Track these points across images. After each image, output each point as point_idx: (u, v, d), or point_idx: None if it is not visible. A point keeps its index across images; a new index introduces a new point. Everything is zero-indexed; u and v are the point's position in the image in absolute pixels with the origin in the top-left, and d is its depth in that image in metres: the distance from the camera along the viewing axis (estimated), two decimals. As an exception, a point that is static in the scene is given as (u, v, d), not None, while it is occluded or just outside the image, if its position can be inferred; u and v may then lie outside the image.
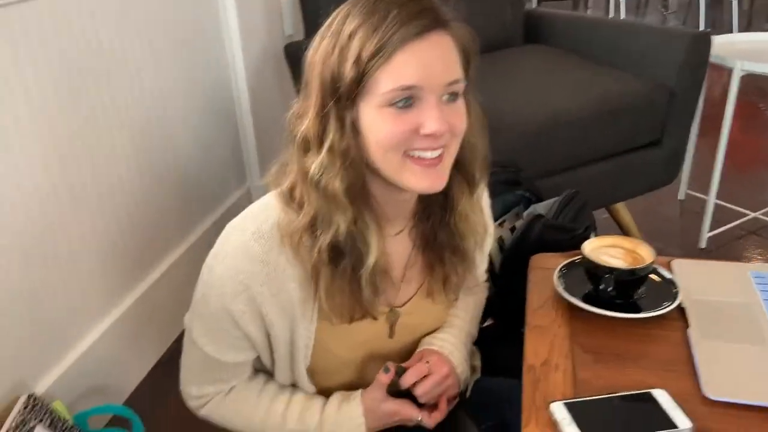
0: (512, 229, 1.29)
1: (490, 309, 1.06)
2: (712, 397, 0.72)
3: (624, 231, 2.04)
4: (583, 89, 1.79)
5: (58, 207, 1.30)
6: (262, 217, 0.78)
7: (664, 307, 0.84)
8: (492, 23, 2.11)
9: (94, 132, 1.40)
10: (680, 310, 0.85)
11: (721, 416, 0.70)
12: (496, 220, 1.14)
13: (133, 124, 1.53)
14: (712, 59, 1.86)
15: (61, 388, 1.31)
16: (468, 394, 0.96)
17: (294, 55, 1.88)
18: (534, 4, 4.78)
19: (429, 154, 0.72)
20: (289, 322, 0.80)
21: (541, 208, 1.24)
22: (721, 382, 0.73)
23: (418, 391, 0.84)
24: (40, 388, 1.27)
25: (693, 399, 0.72)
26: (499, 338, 1.13)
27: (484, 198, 0.92)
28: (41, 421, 1.12)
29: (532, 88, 1.82)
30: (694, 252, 2.05)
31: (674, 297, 0.86)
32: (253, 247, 0.76)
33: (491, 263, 1.07)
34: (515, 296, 1.00)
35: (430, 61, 0.70)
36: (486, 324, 1.07)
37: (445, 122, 0.70)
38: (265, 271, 0.76)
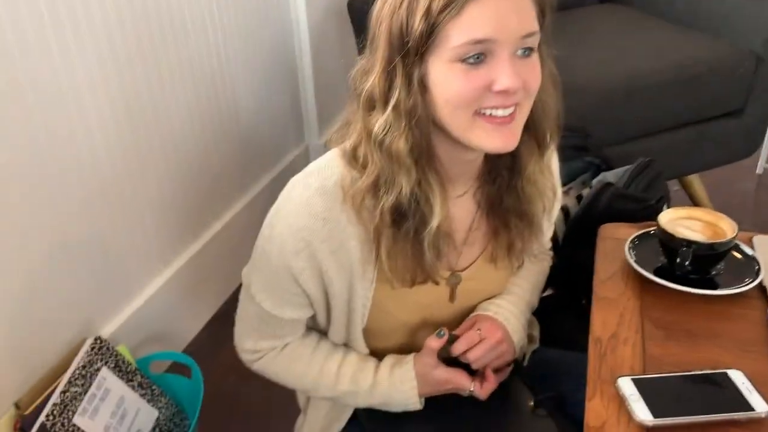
0: (578, 198, 1.24)
1: (551, 279, 1.03)
2: (794, 382, 0.67)
3: (696, 204, 1.94)
4: (660, 52, 1.69)
5: (125, 159, 1.33)
6: (327, 173, 0.76)
7: (745, 285, 0.79)
8: (566, -20, 2.01)
9: (160, 86, 1.41)
10: (761, 289, 0.80)
11: (803, 403, 0.66)
12: (562, 186, 1.10)
13: (196, 80, 1.54)
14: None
15: (125, 334, 1.36)
16: (525, 363, 0.94)
17: (358, 12, 1.84)
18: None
19: (501, 112, 0.68)
20: (347, 279, 0.79)
21: (611, 176, 1.18)
22: (805, 367, 0.69)
23: (471, 356, 0.82)
24: (105, 332, 1.33)
25: (772, 383, 0.68)
26: (559, 309, 1.09)
27: (554, 161, 0.88)
28: (107, 363, 1.17)
29: (606, 50, 1.73)
30: (770, 230, 1.94)
31: (756, 274, 0.81)
32: (315, 204, 0.75)
33: (554, 232, 1.03)
34: (578, 267, 0.96)
35: (503, 12, 0.65)
36: (546, 294, 1.04)
37: (518, 78, 0.66)
38: (326, 228, 0.75)
